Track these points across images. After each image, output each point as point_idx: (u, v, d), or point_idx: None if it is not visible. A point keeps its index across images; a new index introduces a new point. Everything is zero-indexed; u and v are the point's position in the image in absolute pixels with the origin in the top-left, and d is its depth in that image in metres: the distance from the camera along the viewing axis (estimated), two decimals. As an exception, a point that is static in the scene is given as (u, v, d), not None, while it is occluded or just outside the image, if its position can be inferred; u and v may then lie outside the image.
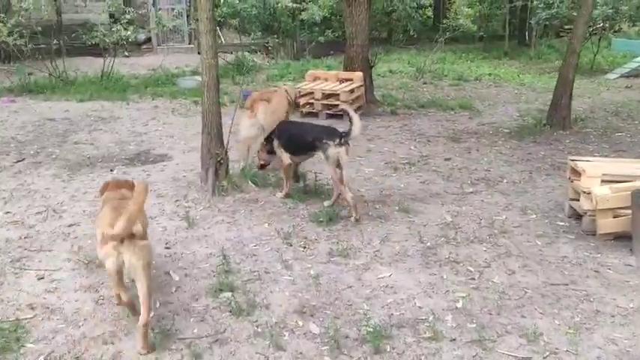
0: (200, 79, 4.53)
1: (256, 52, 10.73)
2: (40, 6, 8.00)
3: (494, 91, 8.48)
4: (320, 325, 2.47)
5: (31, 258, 3.11)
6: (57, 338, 2.40)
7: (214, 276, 2.89)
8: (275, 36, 11.14)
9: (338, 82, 6.79)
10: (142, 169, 4.66)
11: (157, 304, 2.64)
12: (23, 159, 4.94)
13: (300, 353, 2.30)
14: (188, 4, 11.44)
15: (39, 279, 2.89)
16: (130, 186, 2.66)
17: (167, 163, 4.85)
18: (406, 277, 2.89)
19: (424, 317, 2.53)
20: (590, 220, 3.32)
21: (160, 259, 3.09)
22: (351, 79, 6.76)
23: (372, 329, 2.37)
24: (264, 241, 3.31)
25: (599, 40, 10.60)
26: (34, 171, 4.61)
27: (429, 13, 15.59)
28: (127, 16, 8.30)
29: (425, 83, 8.95)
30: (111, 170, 4.64)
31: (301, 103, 5.64)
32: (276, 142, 3.87)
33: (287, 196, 3.92)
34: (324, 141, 3.53)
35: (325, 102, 6.48)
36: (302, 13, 10.68)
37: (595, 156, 4.91)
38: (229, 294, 2.70)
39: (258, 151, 4.10)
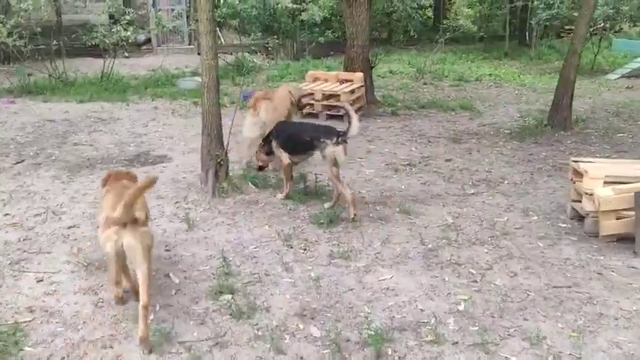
0: (200, 80, 4.52)
1: (256, 53, 10.72)
2: (39, 7, 7.97)
3: (494, 92, 8.47)
4: (321, 329, 2.45)
5: (30, 260, 3.09)
6: (56, 342, 2.38)
7: (214, 278, 2.87)
8: (275, 37, 11.13)
9: (338, 83, 6.77)
10: (141, 171, 4.62)
11: (157, 307, 2.62)
12: (23, 160, 4.92)
13: (301, 357, 2.28)
14: (188, 4, 11.44)
15: (38, 281, 2.87)
16: (131, 177, 2.77)
17: (167, 164, 4.83)
18: (407, 280, 2.87)
19: (426, 320, 2.51)
20: (592, 221, 3.30)
21: (160, 261, 3.07)
22: (351, 80, 6.74)
23: (373, 332, 2.35)
24: (264, 243, 3.29)
25: (600, 40, 10.58)
26: (33, 172, 4.59)
27: (429, 13, 15.59)
28: (127, 17, 8.29)
29: (425, 84, 8.94)
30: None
31: (307, 104, 5.55)
32: (274, 143, 3.86)
33: (287, 197, 3.90)
34: (321, 140, 3.53)
35: (325, 103, 6.47)
36: (302, 13, 10.67)
37: (596, 157, 4.89)
38: (229, 296, 2.68)
39: (256, 153, 4.08)
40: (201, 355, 2.28)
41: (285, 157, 3.80)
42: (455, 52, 12.05)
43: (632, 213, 3.11)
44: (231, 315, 2.54)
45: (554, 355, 2.27)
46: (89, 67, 9.04)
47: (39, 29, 8.12)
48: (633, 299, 2.67)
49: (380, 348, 2.29)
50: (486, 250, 3.20)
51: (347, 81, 6.76)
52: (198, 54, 5.70)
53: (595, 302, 2.65)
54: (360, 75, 6.81)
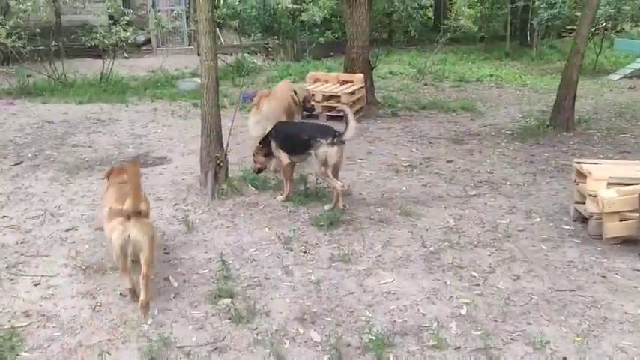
0: (199, 81, 4.50)
1: (256, 54, 10.69)
2: (38, 8, 7.95)
3: (495, 93, 8.43)
4: (321, 333, 2.42)
5: (27, 263, 3.06)
6: (52, 347, 2.35)
7: (214, 282, 2.84)
8: (275, 37, 11.10)
9: (338, 84, 6.75)
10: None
11: (156, 311, 2.59)
12: (21, 162, 4.90)
13: (301, 362, 2.25)
14: (187, 5, 11.41)
15: (35, 285, 2.84)
16: (134, 165, 2.89)
17: (166, 166, 4.80)
18: (409, 283, 2.83)
19: (428, 324, 2.47)
20: (596, 223, 3.27)
21: (159, 264, 3.03)
22: (351, 81, 6.71)
23: (374, 337, 2.32)
24: (264, 245, 3.26)
25: (602, 40, 10.54)
26: (31, 174, 4.57)
27: (430, 13, 15.56)
28: (126, 18, 8.27)
29: (426, 84, 8.90)
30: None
31: (312, 106, 5.48)
32: (273, 144, 3.84)
33: (287, 199, 3.87)
34: (317, 139, 3.54)
35: (326, 104, 6.43)
36: (302, 14, 10.63)
37: (599, 158, 4.86)
38: (229, 300, 2.65)
39: (254, 155, 4.05)
40: (199, 360, 2.25)
41: (284, 158, 3.77)
42: (456, 53, 12.02)
43: (636, 215, 3.08)
44: (230, 319, 2.51)
45: (559, 360, 2.24)
46: (88, 68, 9.01)
47: (38, 30, 8.10)
48: (638, 302, 2.64)
49: (381, 353, 2.25)
50: (489, 253, 3.17)
51: (347, 82, 6.73)
52: (198, 55, 5.66)
53: (599, 306, 2.61)
54: (360, 76, 6.78)
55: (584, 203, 3.43)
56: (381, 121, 6.47)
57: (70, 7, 10.33)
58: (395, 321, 2.51)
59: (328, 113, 6.39)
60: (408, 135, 5.86)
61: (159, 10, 11.10)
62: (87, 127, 6.14)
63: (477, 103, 7.44)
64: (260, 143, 4.01)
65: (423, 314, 2.56)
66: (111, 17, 8.99)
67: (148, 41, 11.48)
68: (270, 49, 11.08)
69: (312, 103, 5.42)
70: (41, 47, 8.13)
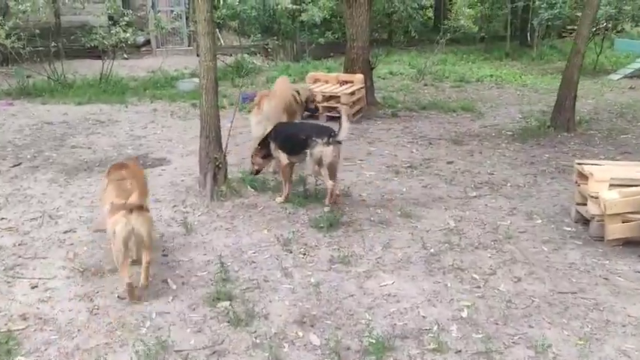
0: (199, 82, 4.48)
1: (256, 54, 10.66)
2: (38, 8, 7.93)
3: (496, 93, 8.41)
4: (320, 336, 2.39)
5: (25, 266, 3.04)
6: (49, 350, 2.33)
7: (212, 284, 2.82)
8: (275, 38, 11.08)
9: (338, 85, 6.73)
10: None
11: (154, 315, 2.57)
12: (20, 163, 4.88)
13: (301, 366, 2.22)
14: (187, 6, 11.38)
15: (32, 288, 2.82)
16: (134, 162, 3.19)
17: (165, 167, 4.78)
18: (409, 285, 2.81)
19: (428, 327, 2.45)
20: (598, 225, 3.24)
21: (157, 266, 3.01)
22: (351, 82, 6.69)
23: (374, 340, 2.29)
24: (263, 247, 3.24)
25: (602, 40, 10.51)
26: (30, 175, 4.55)
27: (430, 14, 15.54)
28: (126, 19, 8.25)
29: (426, 85, 8.88)
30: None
31: (315, 107, 5.43)
32: (272, 145, 3.83)
33: (287, 200, 3.85)
34: (313, 138, 3.56)
35: (326, 104, 6.41)
36: (302, 14, 10.61)
37: (600, 158, 4.83)
38: (227, 303, 2.62)
39: (253, 156, 4.03)
40: (197, 364, 2.23)
41: (283, 158, 3.76)
42: (456, 53, 11.99)
43: (639, 216, 3.05)
44: (229, 322, 2.49)
45: (561, 364, 2.21)
46: (88, 69, 8.99)
47: (37, 31, 8.08)
48: (640, 305, 2.61)
49: (381, 357, 2.23)
50: (489, 255, 3.14)
51: (347, 82, 6.71)
52: (198, 55, 5.65)
53: (601, 308, 2.59)
54: (360, 76, 6.75)
55: (585, 204, 3.40)
56: (380, 122, 6.44)
57: (69, 7, 10.32)
58: (395, 324, 2.48)
59: (328, 114, 6.36)
60: (408, 136, 5.84)
61: (158, 11, 11.08)
62: (86, 128, 6.12)
63: (477, 104, 7.41)
64: (259, 144, 3.99)
65: (424, 317, 2.53)
66: (110, 18, 8.97)
67: (148, 42, 11.46)
68: (269, 50, 11.06)
69: (316, 103, 5.37)
70: (40, 48, 8.11)
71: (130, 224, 2.58)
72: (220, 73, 9.13)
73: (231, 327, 2.46)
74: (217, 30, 11.37)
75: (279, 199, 3.88)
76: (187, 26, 11.45)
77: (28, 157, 5.08)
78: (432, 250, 3.19)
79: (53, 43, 8.15)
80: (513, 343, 2.35)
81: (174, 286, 2.82)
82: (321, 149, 3.54)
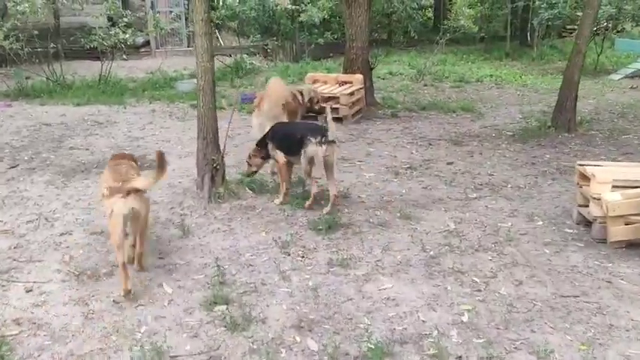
0: (198, 83, 4.45)
1: (255, 55, 10.64)
2: (36, 9, 7.91)
3: (496, 93, 8.37)
4: (318, 342, 2.35)
5: (20, 269, 3.00)
6: (42, 356, 2.29)
7: (209, 288, 2.78)
8: (274, 38, 11.05)
9: (337, 85, 6.69)
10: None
11: (149, 319, 2.53)
12: (17, 165, 4.84)
13: (298, 372, 2.18)
14: (186, 6, 11.36)
15: (27, 292, 2.78)
16: (129, 158, 3.23)
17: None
18: (409, 289, 2.77)
19: (428, 332, 2.41)
20: (600, 227, 3.20)
21: (153, 270, 2.97)
22: (350, 82, 6.65)
23: (373, 346, 2.25)
24: (261, 250, 3.20)
25: (603, 40, 10.47)
26: (27, 177, 4.51)
27: (430, 14, 15.51)
28: (125, 19, 8.22)
29: (426, 85, 8.84)
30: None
31: (320, 106, 5.36)
32: (270, 145, 3.81)
33: (285, 199, 3.81)
34: (308, 137, 3.55)
35: (325, 105, 6.36)
36: (301, 15, 10.58)
37: (602, 159, 4.79)
38: (224, 307, 2.59)
39: (251, 157, 3.99)
40: (193, 370, 2.19)
41: (281, 157, 3.75)
42: (455, 53, 11.96)
43: (641, 218, 3.01)
44: (225, 327, 2.45)
45: (563, 370, 2.17)
46: (87, 70, 8.97)
47: (36, 32, 8.05)
48: (644, 309, 2.57)
49: (380, 363, 2.19)
50: (490, 257, 3.10)
51: (346, 83, 6.67)
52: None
53: (605, 312, 2.55)
54: (359, 77, 6.72)
55: (587, 206, 3.36)
56: (380, 123, 6.40)
57: (68, 9, 10.29)
58: (394, 329, 2.44)
59: (327, 114, 6.32)
60: (407, 136, 5.80)
61: (158, 12, 11.05)
62: (84, 129, 6.09)
63: (477, 104, 7.38)
64: (257, 145, 3.96)
65: (423, 321, 2.49)
66: (110, 19, 8.95)
67: (147, 43, 11.44)
68: (269, 50, 11.02)
69: (321, 104, 5.29)
70: (39, 49, 8.09)
71: (127, 205, 2.69)
72: (219, 73, 9.19)
73: (228, 332, 2.42)
74: (217, 31, 11.37)
75: (277, 201, 3.84)
76: (186, 27, 11.43)
77: (26, 158, 5.04)
78: (431, 253, 3.14)
79: (52, 44, 8.12)
80: (515, 348, 2.31)
81: (170, 290, 2.78)
82: (314, 148, 3.53)
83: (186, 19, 11.41)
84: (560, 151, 5.27)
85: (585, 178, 3.39)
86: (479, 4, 12.39)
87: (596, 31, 9.20)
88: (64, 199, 4.03)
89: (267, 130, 4.06)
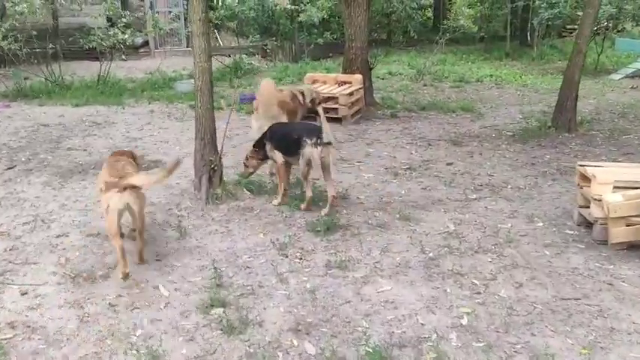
0: (196, 83, 4.43)
1: (254, 55, 10.62)
2: (34, 10, 7.89)
3: (496, 93, 8.34)
4: (316, 345, 2.32)
5: (15, 272, 2.97)
6: (36, 360, 2.26)
7: (206, 290, 2.75)
8: (273, 38, 11.02)
9: (337, 85, 6.66)
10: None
11: (145, 322, 2.50)
12: (14, 166, 4.81)
13: (295, 376, 2.15)
14: (185, 6, 11.33)
15: (22, 294, 2.75)
16: (128, 155, 3.40)
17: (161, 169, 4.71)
18: (408, 291, 2.74)
19: (427, 335, 2.38)
20: (601, 228, 3.17)
21: (149, 272, 2.95)
22: (350, 82, 6.62)
23: (371, 350, 2.22)
24: (258, 252, 3.17)
25: (603, 39, 10.44)
26: (24, 178, 4.49)
27: (430, 14, 15.48)
28: (124, 20, 8.20)
29: (425, 85, 8.81)
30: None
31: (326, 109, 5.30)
32: (268, 146, 3.78)
33: (284, 199, 3.79)
34: (304, 138, 3.53)
35: (324, 105, 6.32)
36: (300, 15, 10.56)
37: (602, 159, 4.76)
38: (221, 310, 2.56)
39: (248, 158, 3.96)
40: (189, 374, 2.16)
41: (279, 157, 3.73)
42: (455, 53, 11.92)
43: (643, 220, 2.98)
44: (222, 330, 2.42)
45: (564, 374, 2.14)
46: (86, 71, 8.94)
47: (34, 32, 8.03)
48: (646, 312, 2.54)
49: (378, 367, 2.16)
50: (490, 259, 3.07)
51: (345, 83, 6.64)
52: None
53: (606, 315, 2.51)
54: (358, 77, 6.69)
55: (588, 207, 3.33)
56: (379, 123, 6.37)
57: (67, 9, 10.27)
58: (393, 332, 2.41)
59: (326, 115, 6.28)
60: (407, 137, 5.77)
61: (157, 12, 11.03)
62: (82, 130, 6.06)
63: (477, 104, 7.34)
64: (254, 146, 3.93)
65: (422, 325, 2.46)
66: (109, 19, 8.93)
67: (146, 43, 11.41)
68: (268, 51, 11.00)
69: (322, 106, 5.25)
70: (38, 49, 8.06)
71: (123, 200, 2.80)
72: (219, 73, 9.18)
73: (224, 335, 2.39)
74: (216, 31, 11.34)
75: (275, 202, 3.81)
76: (185, 27, 11.40)
77: (23, 159, 5.02)
78: (430, 255, 3.11)
79: (51, 45, 8.10)
80: (515, 352, 2.28)
81: (166, 293, 2.75)
82: (311, 150, 3.51)
83: (185, 19, 11.37)
84: (561, 151, 5.24)
85: (586, 178, 3.36)
86: (479, 4, 12.36)
87: (596, 30, 9.17)
88: (61, 200, 4.00)
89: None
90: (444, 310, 2.57)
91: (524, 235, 3.37)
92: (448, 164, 4.83)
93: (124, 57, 10.02)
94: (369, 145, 5.43)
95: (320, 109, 3.79)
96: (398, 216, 3.63)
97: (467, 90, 8.50)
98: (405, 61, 11.03)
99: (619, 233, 3.06)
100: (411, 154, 5.17)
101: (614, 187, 3.13)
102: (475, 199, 3.99)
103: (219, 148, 4.03)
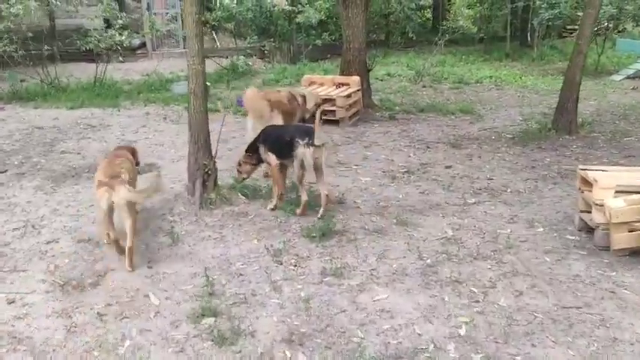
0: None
1: (252, 56, 10.55)
2: (30, 11, 7.82)
3: (495, 94, 8.27)
4: (309, 357, 2.25)
5: (3, 279, 2.91)
6: (21, 373, 2.19)
7: (197, 299, 2.68)
8: (271, 39, 10.96)
9: (334, 87, 6.59)
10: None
11: (134, 333, 2.43)
12: (6, 170, 4.74)
13: (287, 390, 2.08)
14: (182, 8, 11.27)
15: (9, 303, 2.68)
16: (128, 150, 3.56)
17: (155, 173, 4.64)
18: (404, 300, 2.66)
19: (424, 346, 2.30)
20: (603, 234, 3.09)
21: (140, 279, 2.88)
22: (347, 84, 6.55)
23: (366, 362, 2.15)
24: (252, 258, 3.10)
25: (604, 40, 10.37)
26: (16, 183, 4.42)
27: (429, 14, 15.42)
28: (120, 21, 8.14)
29: (424, 87, 8.74)
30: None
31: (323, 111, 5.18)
32: (262, 149, 3.72)
33: (280, 203, 3.72)
34: (296, 139, 3.49)
35: (321, 108, 6.26)
36: (298, 16, 10.50)
37: (604, 162, 4.69)
38: (212, 320, 2.49)
39: (242, 163, 3.89)
40: (177, 388, 2.09)
41: (273, 159, 3.67)
42: (454, 54, 11.85)
43: (646, 225, 2.91)
44: (212, 341, 2.35)
45: (566, 387, 2.07)
46: (83, 72, 8.86)
47: (30, 34, 7.96)
48: (649, 321, 2.47)
49: (373, 380, 2.09)
50: (489, 266, 2.99)
51: (343, 84, 6.57)
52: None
53: (608, 325, 2.44)
54: (356, 78, 6.62)
55: (589, 212, 3.26)
56: (377, 125, 6.30)
57: (63, 11, 10.20)
58: (389, 342, 2.34)
59: (323, 117, 6.22)
60: (405, 139, 5.70)
61: (154, 13, 10.97)
62: (77, 132, 6.00)
63: (477, 106, 7.27)
64: (247, 151, 3.86)
65: (419, 335, 2.39)
66: (106, 21, 8.87)
67: (144, 44, 11.35)
68: (266, 52, 10.93)
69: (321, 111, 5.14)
70: (33, 51, 8.00)
71: (111, 199, 2.90)
72: (216, 75, 9.11)
73: (215, 346, 2.32)
74: (214, 32, 11.28)
75: (270, 206, 3.75)
76: (183, 28, 11.33)
77: (16, 163, 4.95)
78: (428, 261, 3.04)
79: (47, 47, 8.03)
80: (515, 363, 2.21)
81: (157, 302, 2.68)
82: (303, 151, 3.46)
83: (182, 20, 11.32)
84: (562, 154, 5.17)
85: (587, 183, 3.29)
86: (478, 5, 12.31)
87: (597, 31, 9.11)
88: (53, 205, 3.93)
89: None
90: (442, 320, 2.50)
91: (525, 241, 3.29)
92: (447, 167, 4.76)
93: (121, 59, 9.95)
94: (367, 148, 5.36)
95: (317, 112, 3.73)
96: (395, 221, 3.56)
97: (466, 91, 8.43)
98: (404, 62, 10.96)
99: (621, 239, 2.99)
100: (409, 156, 5.10)
101: (616, 192, 3.06)
102: (474, 203, 3.92)
103: (213, 152, 3.96)
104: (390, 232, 3.41)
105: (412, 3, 11.58)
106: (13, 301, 2.70)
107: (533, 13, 11.50)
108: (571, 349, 2.29)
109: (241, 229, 3.48)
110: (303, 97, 4.88)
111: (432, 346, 2.30)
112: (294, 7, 10.36)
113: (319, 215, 3.57)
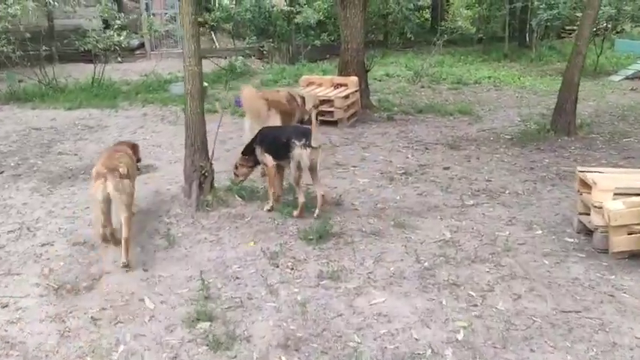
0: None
1: (251, 57, 10.53)
2: (27, 12, 7.79)
3: (494, 95, 8.25)
4: (305, 362, 2.23)
5: (-4, 283, 2.88)
6: (12, 379, 2.16)
7: (192, 303, 2.65)
8: (270, 40, 10.94)
9: (332, 88, 6.57)
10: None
11: (127, 338, 2.40)
12: (2, 172, 4.72)
13: (282, 396, 2.06)
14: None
15: (2, 307, 2.66)
16: (129, 146, 3.61)
17: (152, 174, 4.61)
18: (402, 304, 2.64)
19: (421, 352, 2.28)
20: (602, 236, 3.07)
21: (135, 282, 2.85)
22: (345, 84, 6.53)
23: (362, 367, 2.13)
24: (248, 261, 3.07)
25: (603, 41, 10.36)
26: (12, 184, 4.39)
27: (427, 15, 15.40)
28: (118, 22, 8.11)
29: (422, 87, 8.72)
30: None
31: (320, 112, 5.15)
32: (258, 150, 3.70)
33: (276, 203, 3.69)
34: (292, 140, 3.47)
35: (318, 109, 6.24)
36: (297, 16, 10.48)
37: (603, 163, 4.67)
38: (207, 324, 2.46)
39: (238, 166, 3.87)
40: (171, 395, 2.06)
41: (269, 160, 3.65)
42: (453, 55, 11.84)
43: (645, 228, 2.88)
44: (207, 346, 2.33)
45: (564, 393, 2.04)
46: (81, 73, 8.84)
47: (28, 35, 7.94)
48: (649, 325, 2.45)
49: (370, 386, 2.06)
50: (487, 269, 2.97)
51: (341, 85, 6.55)
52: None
53: (607, 329, 2.42)
54: (354, 79, 6.60)
55: (588, 214, 3.24)
56: (375, 126, 6.28)
57: (62, 11, 10.17)
58: (385, 347, 2.31)
59: (321, 118, 6.20)
60: (403, 140, 5.67)
61: (152, 14, 10.94)
62: (74, 133, 5.97)
63: (475, 107, 7.25)
64: (243, 153, 3.84)
65: (416, 339, 2.36)
66: (104, 21, 8.84)
67: (142, 45, 11.32)
68: (265, 52, 10.91)
69: (318, 112, 5.13)
70: (31, 52, 7.97)
71: (105, 190, 2.93)
72: (214, 75, 9.09)
73: (211, 351, 2.30)
74: (212, 33, 11.25)
75: (266, 207, 3.72)
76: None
77: (12, 164, 4.92)
78: (426, 264, 3.02)
79: (45, 47, 8.00)
80: (513, 369, 2.18)
81: (152, 306, 2.65)
82: (300, 152, 3.45)
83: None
84: (560, 155, 5.14)
85: (586, 184, 3.27)
86: (477, 5, 12.30)
87: (595, 31, 9.09)
88: (49, 207, 3.90)
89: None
90: (439, 324, 2.47)
91: (523, 244, 3.27)
92: (445, 169, 4.74)
93: (119, 59, 9.92)
94: (365, 149, 5.33)
95: (313, 113, 3.71)
96: (393, 223, 3.54)
97: (465, 92, 8.41)
98: (402, 62, 10.94)
99: (620, 242, 2.97)
100: (407, 158, 5.07)
101: (615, 194, 3.04)
102: (472, 205, 3.90)
103: (210, 153, 3.94)
104: (388, 235, 3.39)
105: (410, 3, 11.57)
106: (6, 305, 2.67)
107: (532, 14, 11.50)
108: (570, 354, 2.26)
109: (238, 231, 3.45)
110: (303, 97, 4.86)
111: (430, 351, 2.28)
112: (292, 8, 10.35)
113: (315, 215, 3.55)
